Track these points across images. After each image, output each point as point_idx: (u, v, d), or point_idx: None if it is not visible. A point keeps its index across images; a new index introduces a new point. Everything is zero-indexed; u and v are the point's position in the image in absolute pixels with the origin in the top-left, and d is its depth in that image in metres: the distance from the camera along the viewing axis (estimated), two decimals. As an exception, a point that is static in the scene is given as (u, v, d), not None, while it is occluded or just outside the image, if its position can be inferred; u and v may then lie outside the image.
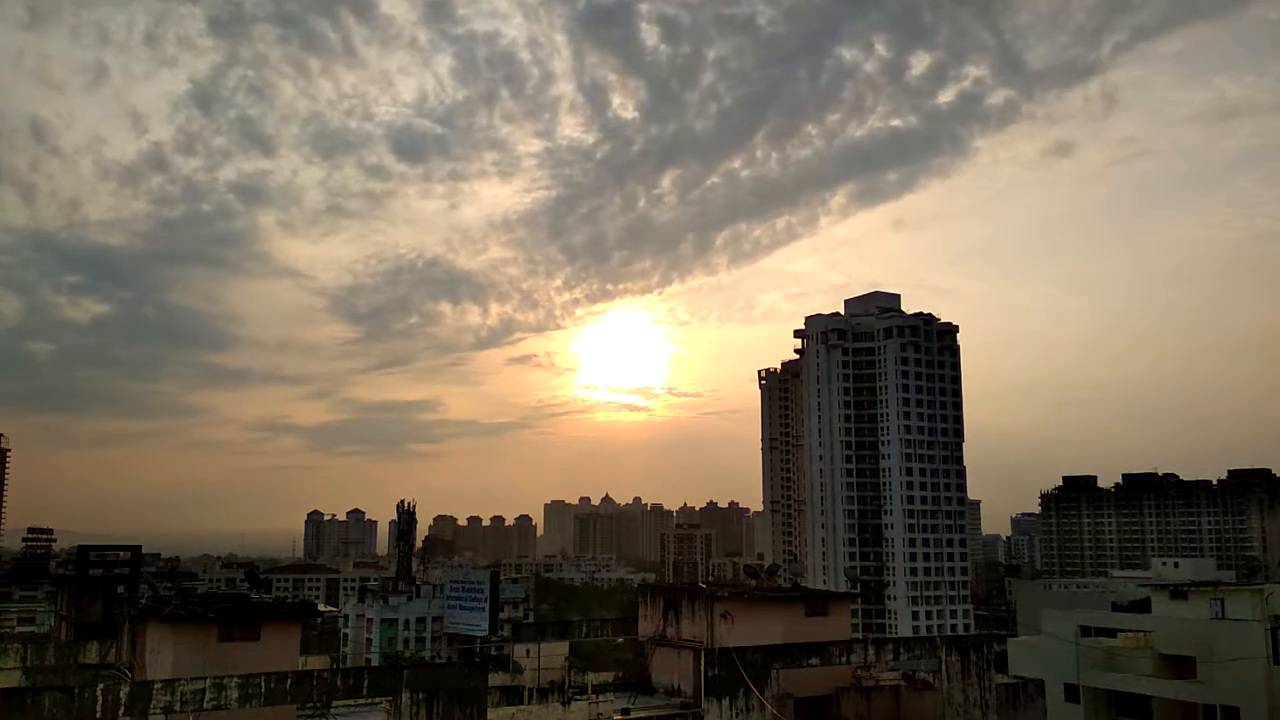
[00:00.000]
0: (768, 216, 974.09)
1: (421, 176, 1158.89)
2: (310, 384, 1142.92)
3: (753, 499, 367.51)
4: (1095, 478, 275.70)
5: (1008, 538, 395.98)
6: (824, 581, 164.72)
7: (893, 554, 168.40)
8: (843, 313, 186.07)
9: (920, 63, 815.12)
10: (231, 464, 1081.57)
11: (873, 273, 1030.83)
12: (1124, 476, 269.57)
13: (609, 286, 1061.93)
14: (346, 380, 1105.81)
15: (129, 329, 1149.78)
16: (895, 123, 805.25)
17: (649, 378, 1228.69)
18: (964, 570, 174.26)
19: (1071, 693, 50.72)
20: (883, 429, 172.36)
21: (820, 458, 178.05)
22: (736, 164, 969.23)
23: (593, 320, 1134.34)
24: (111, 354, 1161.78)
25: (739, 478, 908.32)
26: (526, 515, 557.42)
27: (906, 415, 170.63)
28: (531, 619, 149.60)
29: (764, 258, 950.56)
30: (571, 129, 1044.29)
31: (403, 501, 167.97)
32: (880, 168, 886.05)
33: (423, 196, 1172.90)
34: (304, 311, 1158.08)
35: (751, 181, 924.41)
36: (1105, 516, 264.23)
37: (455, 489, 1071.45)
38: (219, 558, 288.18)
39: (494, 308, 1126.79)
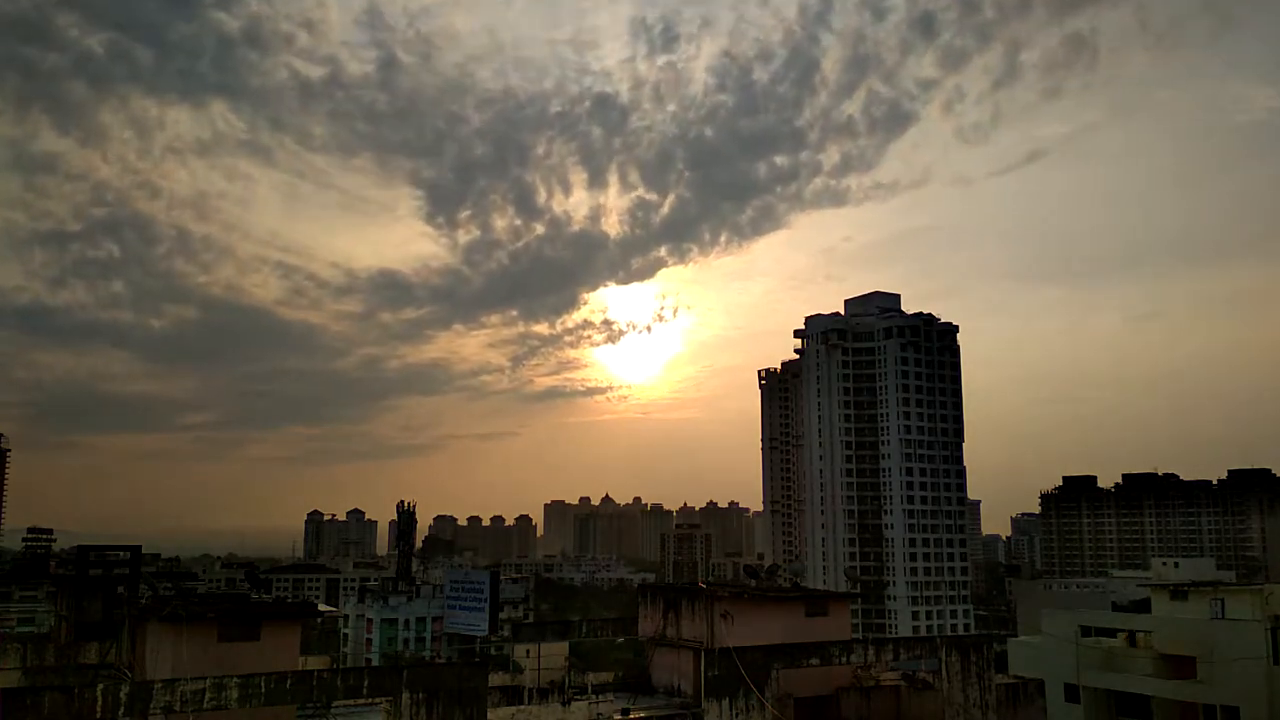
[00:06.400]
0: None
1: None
2: (358, 349, 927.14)
3: (753, 499, 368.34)
4: (1095, 478, 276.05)
5: (1008, 538, 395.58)
6: (824, 581, 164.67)
7: (893, 554, 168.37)
8: (843, 313, 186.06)
9: None
10: (238, 457, 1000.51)
11: (871, 271, 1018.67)
12: (1124, 476, 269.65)
13: (819, 155, 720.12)
14: (416, 338, 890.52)
15: (128, 256, 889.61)
16: None
17: (655, 373, 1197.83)
18: (964, 570, 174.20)
19: (1071, 693, 50.67)
20: (883, 429, 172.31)
21: (820, 458, 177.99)
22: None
23: (769, 231, 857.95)
24: (111, 290, 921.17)
25: (739, 478, 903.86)
26: (526, 515, 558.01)
27: (906, 415, 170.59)
28: (531, 619, 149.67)
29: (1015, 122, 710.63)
30: None
31: (403, 501, 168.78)
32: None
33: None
34: (385, 225, 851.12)
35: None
36: (1105, 516, 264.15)
37: (455, 489, 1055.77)
38: (219, 558, 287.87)
39: (641, 197, 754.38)
